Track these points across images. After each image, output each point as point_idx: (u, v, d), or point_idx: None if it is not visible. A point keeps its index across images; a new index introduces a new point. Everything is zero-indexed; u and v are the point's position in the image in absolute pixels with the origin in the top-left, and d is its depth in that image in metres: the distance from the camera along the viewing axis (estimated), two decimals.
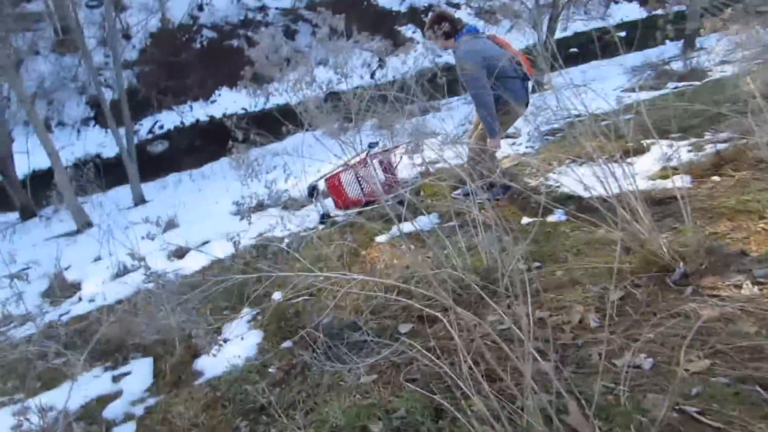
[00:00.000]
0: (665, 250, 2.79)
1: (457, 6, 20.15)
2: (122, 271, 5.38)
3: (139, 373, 3.05)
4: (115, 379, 3.10)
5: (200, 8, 17.68)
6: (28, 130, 12.74)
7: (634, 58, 11.85)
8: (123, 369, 3.21)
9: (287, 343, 3.01)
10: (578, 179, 4.41)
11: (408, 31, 19.01)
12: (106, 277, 5.39)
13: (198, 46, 17.04)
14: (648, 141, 5.28)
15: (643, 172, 4.72)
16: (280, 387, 2.57)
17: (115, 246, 5.95)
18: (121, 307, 4.07)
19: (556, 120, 8.39)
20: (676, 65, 11.27)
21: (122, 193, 11.87)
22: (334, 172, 5.72)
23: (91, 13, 16.52)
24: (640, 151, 5.44)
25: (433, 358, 2.19)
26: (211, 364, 2.88)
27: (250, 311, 3.58)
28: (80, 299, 5.01)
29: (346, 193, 5.72)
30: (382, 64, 18.30)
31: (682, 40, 14.37)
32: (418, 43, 18.98)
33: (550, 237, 3.66)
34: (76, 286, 5.45)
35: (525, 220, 4.25)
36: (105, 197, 12.35)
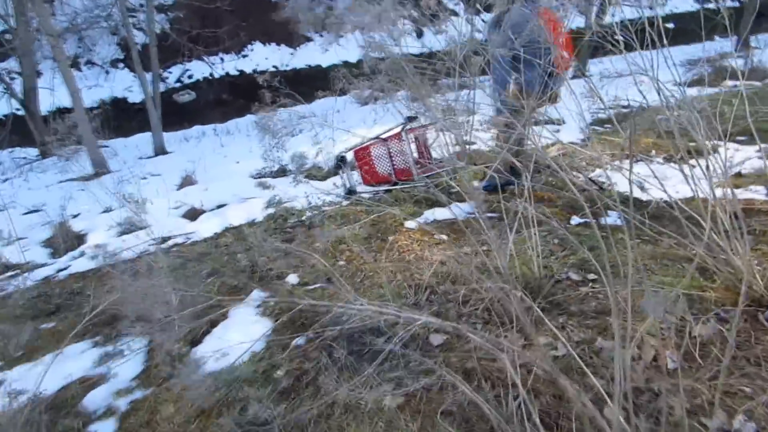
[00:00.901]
0: (759, 279, 2.33)
1: None
2: (129, 228, 5.03)
3: (131, 354, 2.69)
4: (103, 359, 2.75)
5: None
6: (55, 66, 12.40)
7: (683, 51, 11.17)
8: (113, 347, 2.85)
9: (300, 339, 2.62)
10: (639, 179, 3.93)
11: (450, 2, 18.33)
12: (113, 233, 5.05)
13: None
14: (713, 142, 4.76)
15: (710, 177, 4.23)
16: (288, 399, 2.18)
17: (127, 198, 5.60)
18: (122, 269, 3.72)
19: (604, 110, 7.84)
20: (735, 62, 10.58)
21: (144, 141, 11.54)
22: (365, 144, 5.27)
23: None
24: (702, 153, 4.94)
25: (471, 392, 1.77)
26: (212, 356, 2.50)
27: (261, 294, 3.19)
28: (83, 253, 4.67)
29: (375, 168, 5.28)
30: (420, 33, 17.69)
31: (735, 37, 13.57)
32: (457, 15, 18.35)
33: (607, 244, 3.20)
34: (81, 238, 5.12)
35: (575, 220, 3.79)
36: (126, 143, 12.06)
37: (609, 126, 6.81)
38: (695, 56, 11.67)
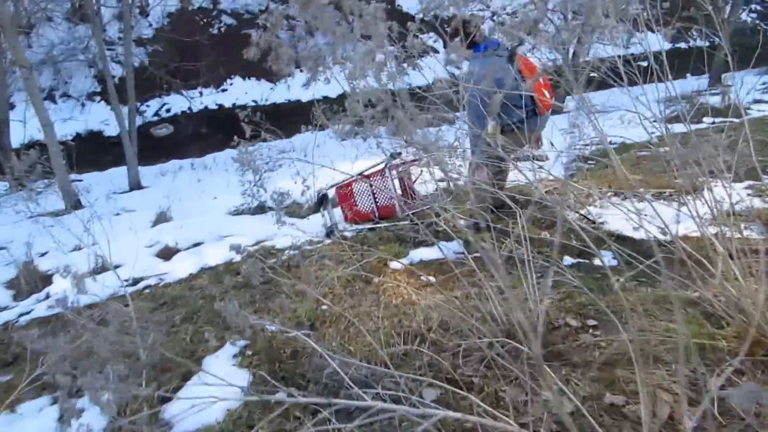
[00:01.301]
0: None
1: (481, 18, 19.64)
2: (100, 268, 4.77)
3: (93, 415, 2.44)
4: (62, 420, 2.49)
5: None
6: (27, 97, 12.17)
7: (656, 89, 11.28)
8: (74, 404, 2.60)
9: (280, 394, 2.40)
10: (628, 216, 3.80)
11: (429, 39, 18.50)
12: (81, 272, 4.78)
13: (215, 31, 16.50)
14: (700, 179, 4.69)
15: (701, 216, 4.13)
16: None
17: (99, 235, 5.35)
18: (89, 314, 3.48)
19: (585, 146, 7.81)
20: (711, 100, 10.71)
21: (119, 175, 11.27)
22: (347, 181, 5.11)
23: None
24: (690, 189, 4.87)
25: None
26: (183, 416, 2.27)
27: (238, 342, 2.97)
28: (48, 296, 4.40)
29: (357, 205, 5.11)
30: (400, 69, 17.77)
31: (706, 75, 13.79)
32: (437, 52, 18.51)
33: (602, 286, 3.05)
34: (47, 279, 4.84)
35: (567, 260, 3.64)
36: (100, 177, 11.78)
37: (592, 162, 6.75)
38: (671, 94, 11.79)
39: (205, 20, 16.61)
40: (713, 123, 8.91)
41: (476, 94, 3.82)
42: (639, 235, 3.86)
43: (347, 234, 4.79)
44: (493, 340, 2.29)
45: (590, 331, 2.60)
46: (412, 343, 2.61)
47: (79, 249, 5.60)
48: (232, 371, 2.68)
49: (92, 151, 12.86)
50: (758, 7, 20.47)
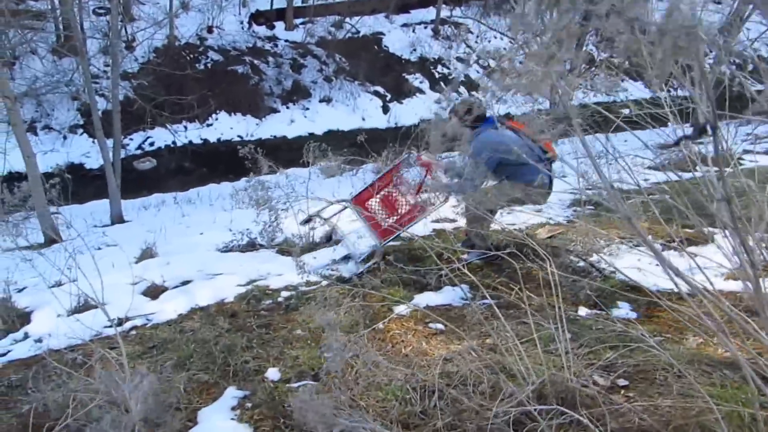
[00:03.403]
0: None
1: (466, 62, 19.91)
2: (82, 306, 4.52)
3: None
4: None
5: (210, 30, 17.18)
6: (9, 128, 11.90)
7: (644, 136, 11.41)
8: None
9: None
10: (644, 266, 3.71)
11: (416, 80, 18.65)
12: (63, 310, 4.53)
13: (202, 66, 16.46)
14: (709, 229, 4.62)
15: (713, 267, 4.03)
16: None
17: (80, 270, 5.11)
18: (71, 357, 3.24)
19: (579, 191, 7.76)
20: (702, 148, 10.80)
21: (100, 208, 10.98)
22: (364, 189, 5.04)
23: (97, 20, 15.93)
24: (698, 239, 4.80)
25: None
26: None
27: (236, 393, 2.75)
28: (26, 336, 4.13)
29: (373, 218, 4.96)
30: (386, 108, 17.85)
31: (690, 124, 14.02)
32: (424, 93, 18.66)
33: (625, 340, 2.90)
34: (25, 317, 4.57)
35: (583, 311, 3.49)
36: (81, 210, 11.47)
37: (591, 207, 6.68)
38: (656, 142, 11.93)
39: (191, 56, 16.58)
40: (707, 172, 8.96)
41: (494, 157, 4.09)
42: (654, 284, 3.73)
43: (345, 275, 4.61)
44: (523, 397, 2.11)
45: (622, 392, 2.43)
46: (429, 399, 2.42)
47: (60, 285, 5.33)
48: (231, 426, 2.47)
49: (74, 184, 12.56)
50: (737, 60, 21.06)
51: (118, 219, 9.77)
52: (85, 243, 6.07)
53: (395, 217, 5.01)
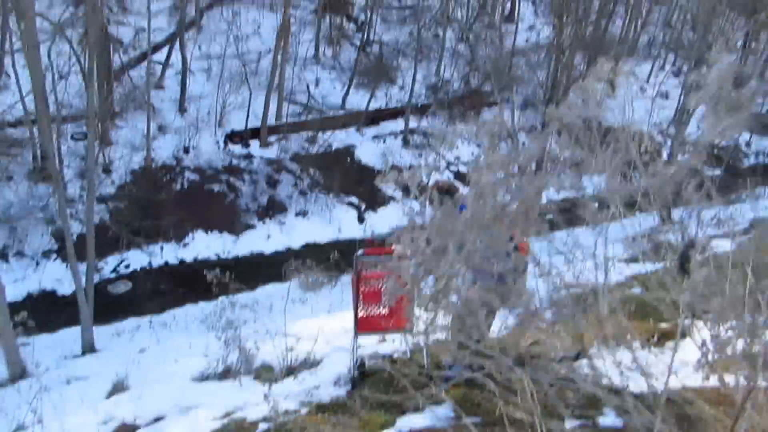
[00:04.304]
0: None
1: (437, 169, 20.50)
2: None
3: None
4: None
5: (186, 150, 17.57)
6: None
7: (610, 228, 11.63)
8: None
9: None
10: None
11: (389, 189, 19.05)
12: None
13: (178, 187, 16.69)
14: (687, 321, 4.59)
15: (693, 363, 3.98)
16: None
17: (46, 410, 4.89)
18: None
19: (555, 290, 7.77)
20: (671, 237, 11.00)
21: (71, 337, 10.68)
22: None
23: (75, 145, 16.22)
24: (677, 334, 4.75)
25: None
26: None
27: None
28: None
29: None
30: (362, 218, 18.10)
31: (656, 212, 14.37)
32: (397, 201, 19.01)
33: None
34: None
35: (570, 423, 3.38)
36: (52, 339, 11.14)
37: (566, 309, 6.66)
38: (624, 234, 12.15)
39: (168, 176, 16.83)
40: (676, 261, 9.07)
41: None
42: (636, 386, 3.65)
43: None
44: None
45: None
46: None
47: (23, 429, 5.07)
48: None
49: (44, 312, 12.27)
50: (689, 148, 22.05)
51: (89, 348, 9.49)
52: (53, 378, 5.86)
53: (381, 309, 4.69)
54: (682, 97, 19.75)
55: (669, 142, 19.13)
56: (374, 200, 18.56)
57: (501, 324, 5.36)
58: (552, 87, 15.66)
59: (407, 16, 24.90)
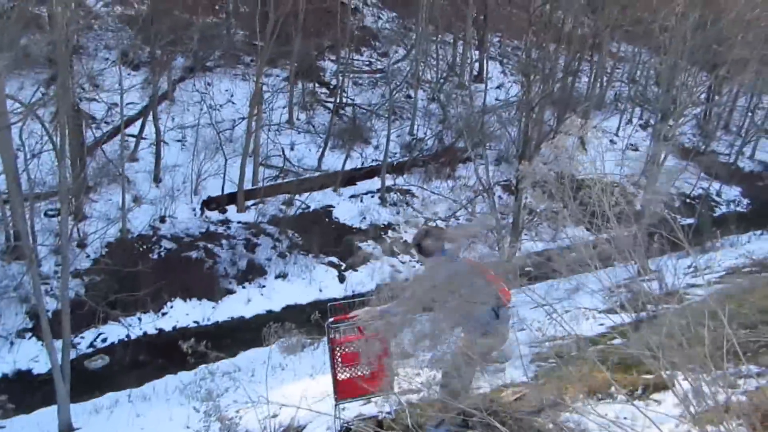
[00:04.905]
0: None
1: (414, 225, 20.66)
2: None
3: None
4: None
5: (162, 220, 17.53)
6: None
7: (587, 279, 11.72)
8: None
9: None
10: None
11: (368, 247, 19.08)
12: None
13: (155, 256, 16.56)
14: (668, 372, 4.64)
15: (677, 413, 4.00)
16: None
17: None
18: None
19: (538, 343, 7.78)
20: (650, 287, 11.13)
21: (48, 417, 10.36)
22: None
23: (48, 221, 16.07)
24: (660, 385, 4.79)
25: None
26: None
27: None
28: None
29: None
30: (342, 278, 18.04)
31: (633, 263, 14.50)
32: (377, 258, 19.03)
33: None
34: None
35: None
36: (27, 421, 10.79)
37: (552, 361, 6.67)
38: (600, 285, 12.23)
39: (145, 246, 16.72)
40: (654, 311, 9.14)
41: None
42: None
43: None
44: None
45: None
46: None
47: None
48: None
49: (20, 393, 11.92)
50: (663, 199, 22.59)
51: (67, 428, 9.20)
52: None
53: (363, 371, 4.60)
54: (651, 149, 20.31)
55: (641, 194, 19.57)
56: (355, 258, 18.59)
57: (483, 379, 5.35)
58: (524, 142, 16.09)
59: (378, 78, 25.61)
